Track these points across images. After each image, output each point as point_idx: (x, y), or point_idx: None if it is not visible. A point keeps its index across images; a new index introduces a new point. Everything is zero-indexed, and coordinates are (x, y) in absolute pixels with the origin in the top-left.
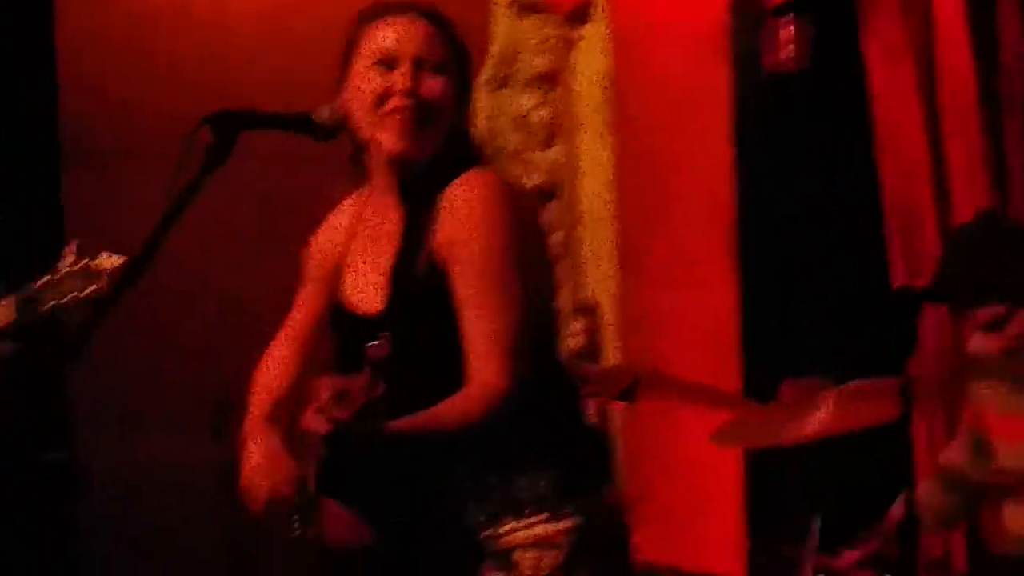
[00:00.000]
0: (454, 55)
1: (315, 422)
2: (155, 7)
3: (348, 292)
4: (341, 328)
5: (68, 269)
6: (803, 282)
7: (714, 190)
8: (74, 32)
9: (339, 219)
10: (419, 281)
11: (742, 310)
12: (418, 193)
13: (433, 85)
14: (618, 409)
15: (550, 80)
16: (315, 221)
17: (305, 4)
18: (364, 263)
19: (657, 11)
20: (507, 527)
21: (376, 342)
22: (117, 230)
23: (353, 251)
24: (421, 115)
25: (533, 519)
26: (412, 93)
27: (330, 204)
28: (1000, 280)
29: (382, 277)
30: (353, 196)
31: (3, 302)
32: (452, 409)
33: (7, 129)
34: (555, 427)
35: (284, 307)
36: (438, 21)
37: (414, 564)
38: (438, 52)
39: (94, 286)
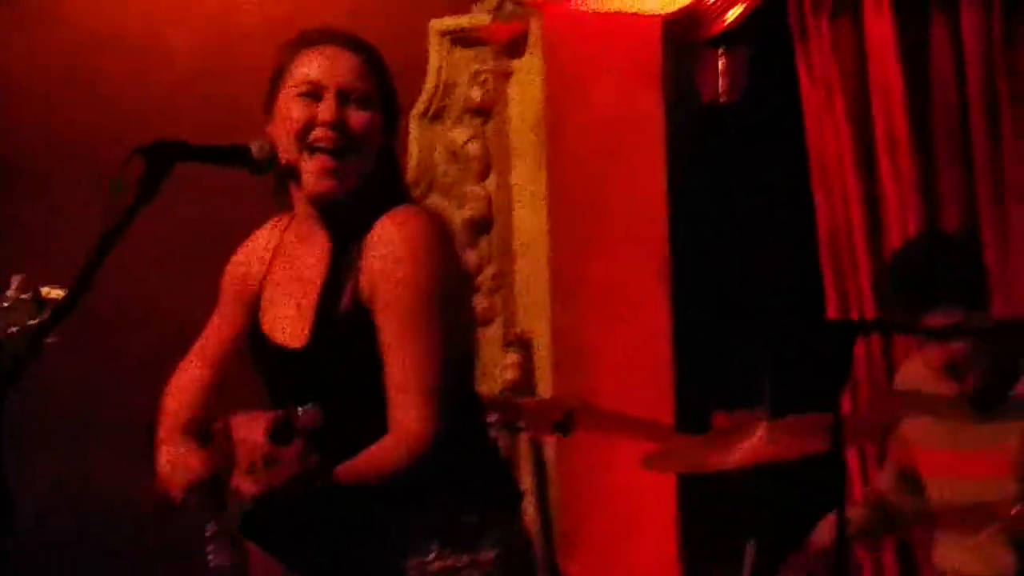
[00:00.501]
0: (381, 88)
1: (245, 483)
2: (92, 31)
3: (269, 320)
4: (262, 356)
5: (14, 300)
6: (737, 313)
7: (648, 221)
8: (7, 53)
9: (258, 242)
10: (343, 318)
11: (676, 341)
12: (344, 226)
13: (358, 118)
14: (552, 441)
15: (485, 112)
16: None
17: (241, 33)
18: (287, 294)
19: (591, 43)
20: (428, 558)
21: (305, 408)
22: (52, 253)
23: (274, 278)
24: (344, 148)
25: (450, 551)
26: (335, 125)
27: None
28: (948, 290)
29: (306, 311)
30: (273, 220)
31: None
32: (377, 459)
33: None
34: (470, 462)
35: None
36: (365, 52)
37: None
38: (364, 84)
39: (39, 319)
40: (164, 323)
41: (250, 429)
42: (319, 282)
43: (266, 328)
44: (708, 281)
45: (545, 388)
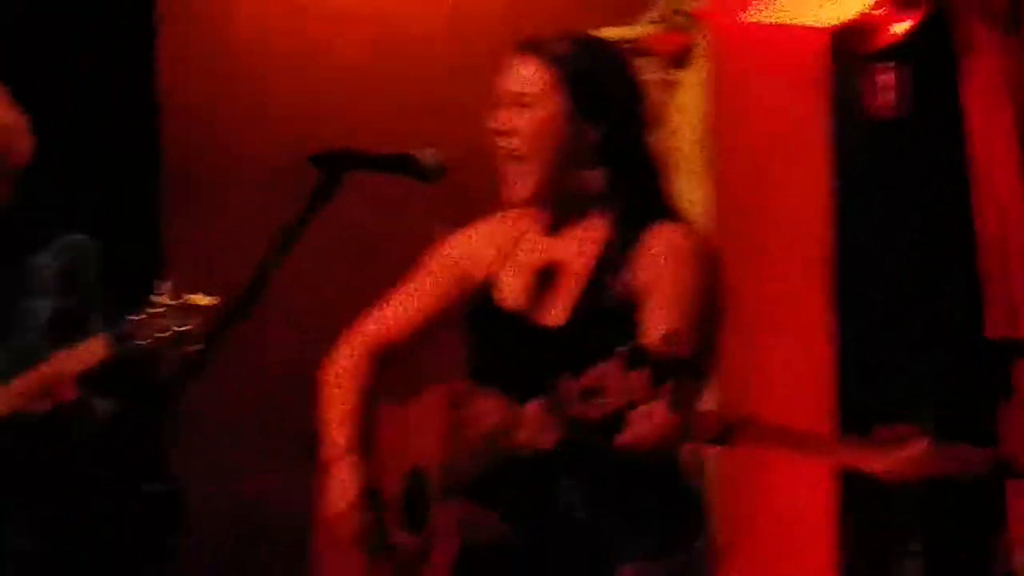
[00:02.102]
0: (570, 90)
1: (538, 436)
2: (258, 41)
3: (512, 298)
4: (497, 331)
5: (162, 307)
6: (899, 327)
7: (812, 233)
8: (176, 64)
9: (489, 228)
10: (608, 306)
11: (838, 354)
12: (621, 229)
13: (523, 121)
14: (712, 453)
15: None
16: (411, 257)
17: (407, 46)
18: (544, 279)
19: (757, 55)
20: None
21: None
22: (217, 263)
23: (520, 260)
24: (514, 153)
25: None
26: (502, 131)
27: (426, 240)
28: None
29: (566, 295)
30: (501, 214)
31: (97, 339)
32: (646, 431)
33: (109, 161)
34: (674, 472)
35: None
36: (546, 55)
37: (543, 561)
38: (534, 87)
39: (188, 325)
40: (331, 329)
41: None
42: (585, 274)
43: (511, 305)
44: (870, 294)
45: (706, 400)
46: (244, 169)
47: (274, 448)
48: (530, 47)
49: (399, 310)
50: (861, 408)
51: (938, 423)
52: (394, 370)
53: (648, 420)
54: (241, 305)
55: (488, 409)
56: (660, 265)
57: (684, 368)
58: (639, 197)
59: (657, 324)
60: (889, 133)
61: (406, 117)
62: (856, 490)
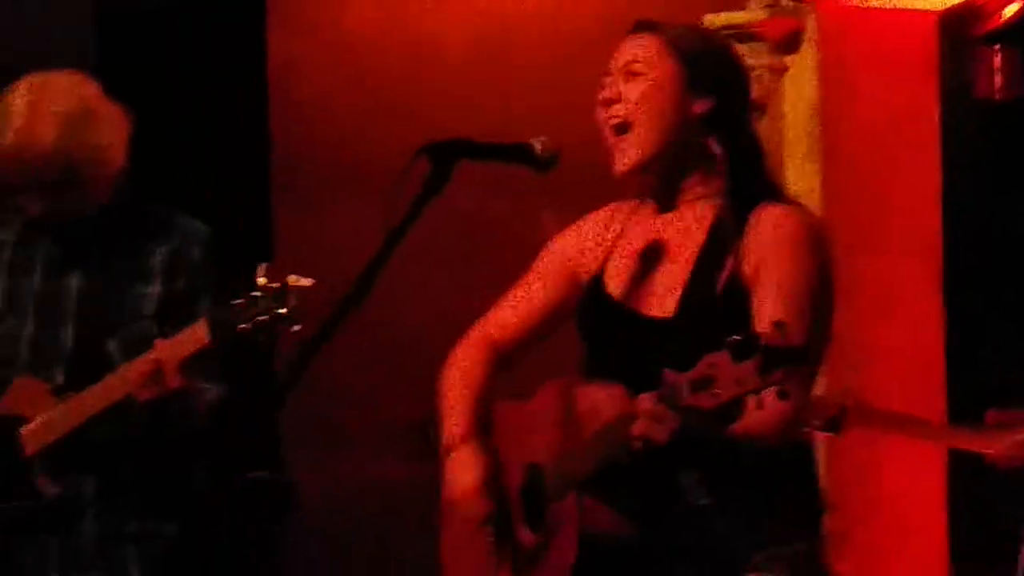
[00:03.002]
0: (673, 58)
1: (652, 429)
2: (365, 35)
3: (621, 290)
4: (608, 323)
5: (259, 292)
6: (1010, 310)
7: (922, 217)
8: (285, 60)
9: (595, 222)
10: (718, 294)
11: (949, 339)
12: (727, 210)
13: (630, 89)
14: (824, 439)
15: (759, 108)
16: (522, 245)
17: (515, 34)
18: (647, 267)
19: (866, 39)
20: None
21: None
22: (326, 258)
23: (625, 251)
24: (621, 121)
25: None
26: (609, 100)
27: (536, 228)
28: None
29: (673, 284)
30: (613, 205)
31: (197, 324)
32: (761, 422)
33: (218, 159)
34: (798, 458)
35: None
36: (656, 30)
37: (666, 554)
38: (644, 55)
39: (283, 308)
40: (440, 319)
41: (601, 403)
42: (691, 260)
43: (618, 296)
44: (981, 278)
45: (818, 385)
46: (354, 161)
47: (384, 437)
48: (641, 26)
49: (514, 311)
50: (972, 392)
51: None
52: (512, 368)
53: (760, 410)
54: (353, 295)
55: (603, 402)
56: (769, 248)
57: (795, 357)
58: (746, 176)
59: (767, 312)
60: (998, 115)
61: (515, 108)
62: (967, 474)
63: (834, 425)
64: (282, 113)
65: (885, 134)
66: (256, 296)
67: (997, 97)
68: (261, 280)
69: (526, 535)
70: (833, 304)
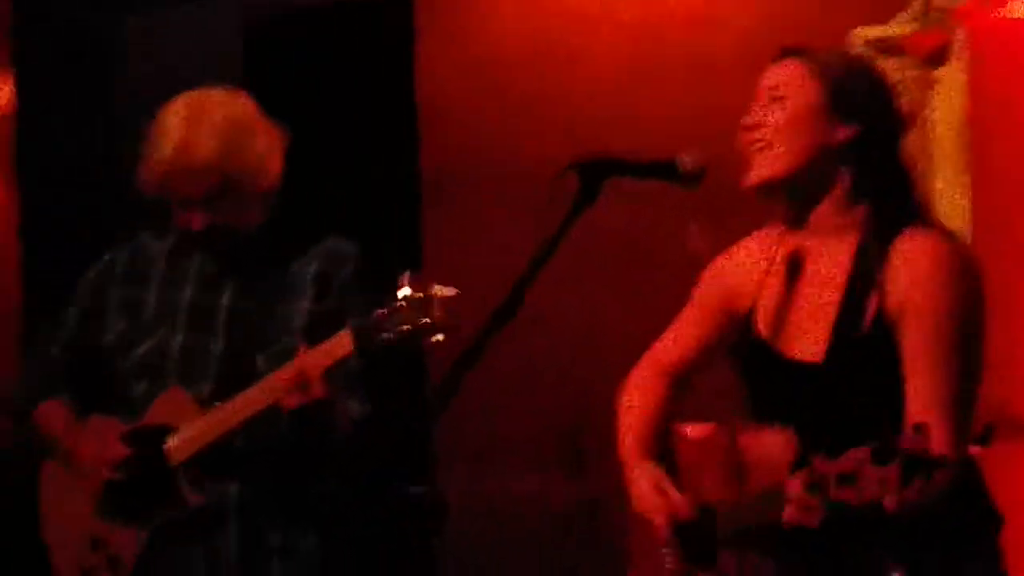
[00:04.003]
0: (817, 83)
1: (801, 514)
2: (514, 47)
3: (771, 330)
4: (762, 368)
5: (403, 301)
6: None
7: None
8: (432, 72)
9: (748, 251)
10: (866, 335)
11: None
12: (870, 240)
13: (772, 113)
14: (973, 453)
15: (907, 120)
16: (669, 260)
17: (664, 49)
18: (796, 306)
19: (1017, 52)
20: None
21: (918, 427)
22: (475, 271)
23: (774, 287)
24: (760, 144)
25: None
26: (750, 126)
27: (683, 242)
28: None
29: (822, 325)
30: (765, 229)
31: (341, 334)
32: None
33: (368, 170)
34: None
35: (637, 343)
36: (803, 57)
37: None
38: (789, 80)
39: (426, 318)
40: (591, 332)
41: (771, 446)
42: (838, 295)
43: (767, 338)
44: None
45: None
46: (502, 174)
47: (536, 452)
48: (788, 52)
49: (676, 343)
50: None
51: None
52: (690, 390)
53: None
54: (503, 310)
55: (771, 449)
56: (914, 282)
57: (935, 464)
58: (890, 202)
59: (912, 400)
60: None
61: (663, 123)
62: None
63: (983, 439)
64: (431, 126)
65: None
66: (399, 306)
67: None
68: (404, 291)
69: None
70: (983, 330)
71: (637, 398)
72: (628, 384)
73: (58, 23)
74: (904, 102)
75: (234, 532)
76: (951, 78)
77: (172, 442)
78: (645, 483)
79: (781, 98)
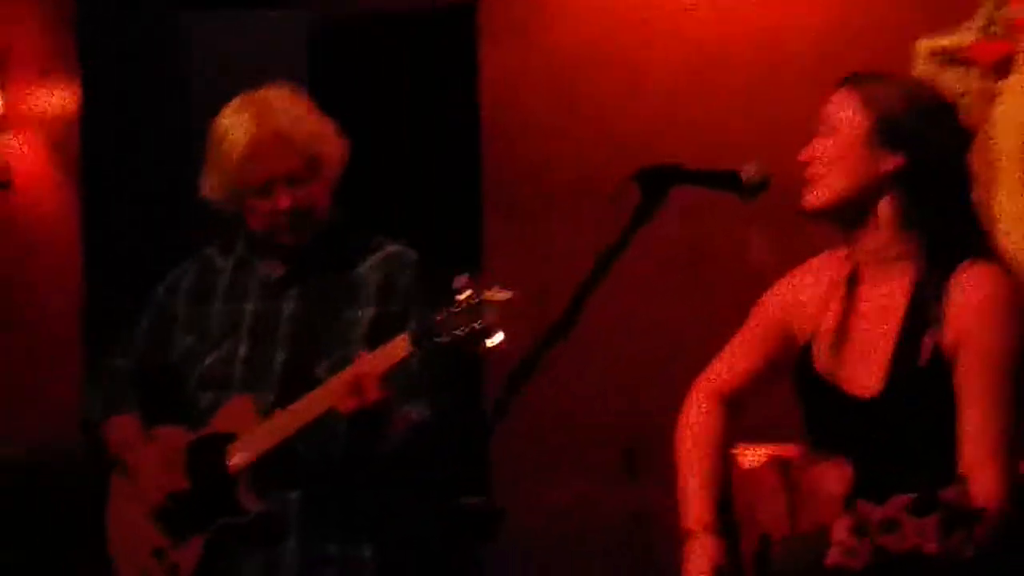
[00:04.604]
0: (865, 114)
1: (852, 542)
2: (578, 53)
3: (828, 363)
4: (818, 399)
5: (461, 305)
6: None
7: None
8: (496, 78)
9: (812, 274)
10: (922, 371)
11: None
12: (926, 273)
13: (822, 144)
14: None
15: (970, 132)
16: (730, 269)
17: (728, 58)
18: (854, 338)
19: None
20: None
21: (957, 485)
22: (535, 280)
23: (833, 316)
24: (811, 177)
25: None
26: (804, 159)
27: (745, 252)
28: None
29: (879, 359)
30: (828, 252)
31: (399, 338)
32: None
33: (430, 177)
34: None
35: (695, 354)
36: (859, 85)
37: None
38: (841, 112)
39: (482, 321)
40: (653, 343)
41: (826, 478)
42: (895, 329)
43: (824, 370)
44: None
45: None
46: (564, 182)
47: (594, 462)
48: (848, 80)
49: (732, 367)
50: None
51: None
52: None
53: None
54: (564, 320)
55: (827, 481)
56: (971, 317)
57: (975, 519)
58: (947, 235)
59: (964, 439)
60: None
61: (726, 134)
62: None
63: None
64: (493, 134)
65: None
66: (456, 311)
67: None
68: (461, 295)
69: None
70: None
71: (701, 438)
72: (688, 419)
73: (122, 23)
74: (966, 115)
75: (293, 541)
76: (1015, 90)
77: (233, 450)
78: (705, 567)
79: (833, 129)
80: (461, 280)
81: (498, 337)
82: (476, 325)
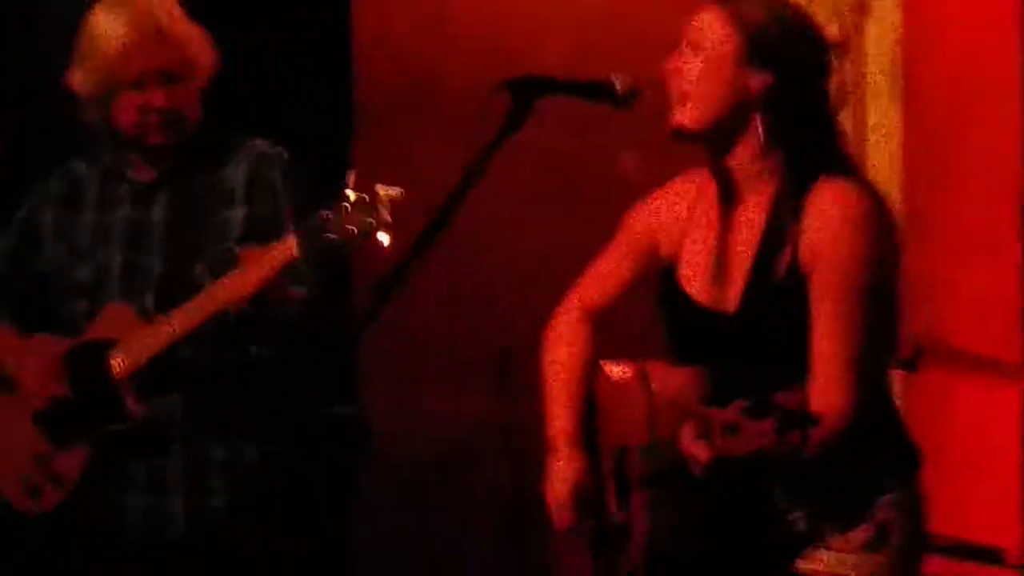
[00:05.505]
0: (734, 34)
1: (696, 448)
2: None
3: (689, 279)
4: (678, 313)
5: (347, 202)
6: None
7: (1003, 159)
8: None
9: (673, 195)
10: (778, 286)
11: None
12: (782, 189)
13: (689, 63)
14: (898, 377)
15: (841, 47)
16: (600, 184)
17: None
18: (713, 255)
19: None
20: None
21: (791, 389)
22: (407, 191)
23: (695, 235)
24: (678, 92)
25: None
26: (670, 71)
27: (614, 166)
28: None
29: (736, 275)
30: (689, 173)
31: (288, 237)
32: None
33: (301, 90)
34: (873, 430)
35: (565, 266)
36: (725, 4)
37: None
38: (708, 30)
39: (371, 220)
40: (526, 256)
41: (683, 388)
42: (752, 246)
43: (686, 286)
44: None
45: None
46: (435, 94)
47: (463, 374)
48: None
49: (601, 285)
50: None
51: None
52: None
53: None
54: (430, 230)
55: (682, 390)
56: (826, 231)
57: (809, 421)
58: (805, 151)
59: (816, 351)
60: None
61: (594, 46)
62: None
63: (911, 364)
64: (364, 46)
65: (967, 74)
66: (344, 207)
67: None
68: (350, 191)
69: (617, 513)
70: (897, 278)
71: (568, 353)
72: (558, 334)
73: None
74: (838, 28)
75: (178, 445)
76: (885, 5)
77: (115, 355)
78: (564, 489)
79: (699, 47)
80: (351, 177)
81: (388, 235)
82: (367, 221)
